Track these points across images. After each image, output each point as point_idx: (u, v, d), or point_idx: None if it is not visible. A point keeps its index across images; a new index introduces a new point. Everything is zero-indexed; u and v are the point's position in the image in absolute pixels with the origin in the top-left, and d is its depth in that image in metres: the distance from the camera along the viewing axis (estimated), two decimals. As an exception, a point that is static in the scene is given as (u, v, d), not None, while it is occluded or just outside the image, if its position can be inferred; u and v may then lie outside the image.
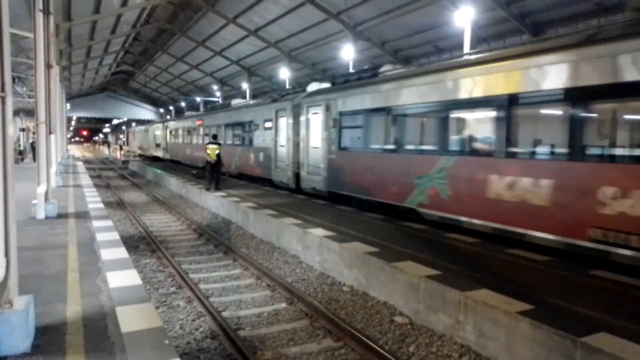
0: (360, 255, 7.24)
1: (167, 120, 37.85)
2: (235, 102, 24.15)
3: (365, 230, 9.05)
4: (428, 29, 22.24)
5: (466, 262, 6.84)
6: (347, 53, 24.04)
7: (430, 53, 24.38)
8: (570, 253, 6.89)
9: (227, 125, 22.06)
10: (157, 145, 37.96)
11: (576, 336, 4.19)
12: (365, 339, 5.42)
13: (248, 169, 18.99)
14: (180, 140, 31.27)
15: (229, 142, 21.35)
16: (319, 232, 8.79)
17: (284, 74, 31.36)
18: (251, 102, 24.36)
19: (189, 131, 28.77)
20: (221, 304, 6.94)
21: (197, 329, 6.04)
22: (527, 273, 6.38)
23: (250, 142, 18.73)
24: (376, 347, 5.22)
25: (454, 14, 17.75)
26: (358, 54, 24.37)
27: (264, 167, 17.29)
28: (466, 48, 16.60)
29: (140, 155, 47.09)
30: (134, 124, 66.17)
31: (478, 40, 19.65)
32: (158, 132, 38.21)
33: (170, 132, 34.03)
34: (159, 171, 25.17)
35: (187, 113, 35.49)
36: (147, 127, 45.18)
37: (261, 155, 17.50)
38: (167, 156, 34.60)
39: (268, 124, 16.95)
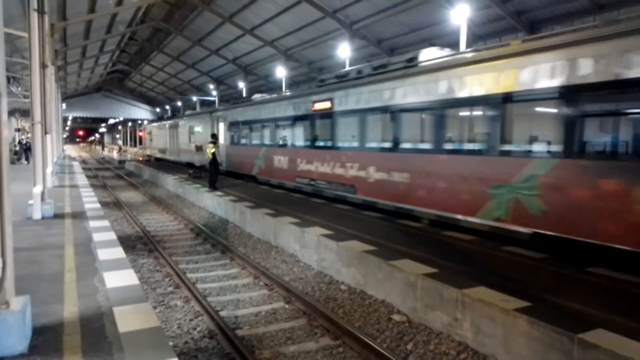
0: (358, 253, 7.25)
1: (218, 110, 24.16)
2: (427, 56, 10.81)
3: (362, 229, 9.06)
4: (424, 27, 22.26)
5: (463, 260, 6.86)
6: (344, 51, 24.05)
7: (427, 51, 24.36)
8: (568, 251, 6.91)
9: (427, 110, 9.74)
10: (198, 149, 24.88)
11: (573, 333, 4.21)
12: (363, 337, 5.43)
13: (541, 220, 7.07)
14: (256, 140, 18.13)
15: (439, 146, 9.22)
16: (317, 230, 8.79)
17: (281, 72, 31.35)
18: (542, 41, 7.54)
19: (286, 126, 15.91)
20: (219, 304, 6.93)
21: (194, 329, 6.04)
22: (524, 270, 6.41)
23: (572, 150, 6.66)
24: (374, 345, 5.23)
25: (449, 12, 17.77)
26: (354, 52, 24.38)
27: None
28: (462, 46, 16.62)
29: (158, 160, 35.85)
30: (128, 123, 65.55)
31: (474, 38, 19.66)
32: (198, 129, 25.69)
33: (229, 128, 20.85)
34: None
35: (260, 97, 20.57)
36: (175, 122, 31.58)
37: None
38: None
39: None
